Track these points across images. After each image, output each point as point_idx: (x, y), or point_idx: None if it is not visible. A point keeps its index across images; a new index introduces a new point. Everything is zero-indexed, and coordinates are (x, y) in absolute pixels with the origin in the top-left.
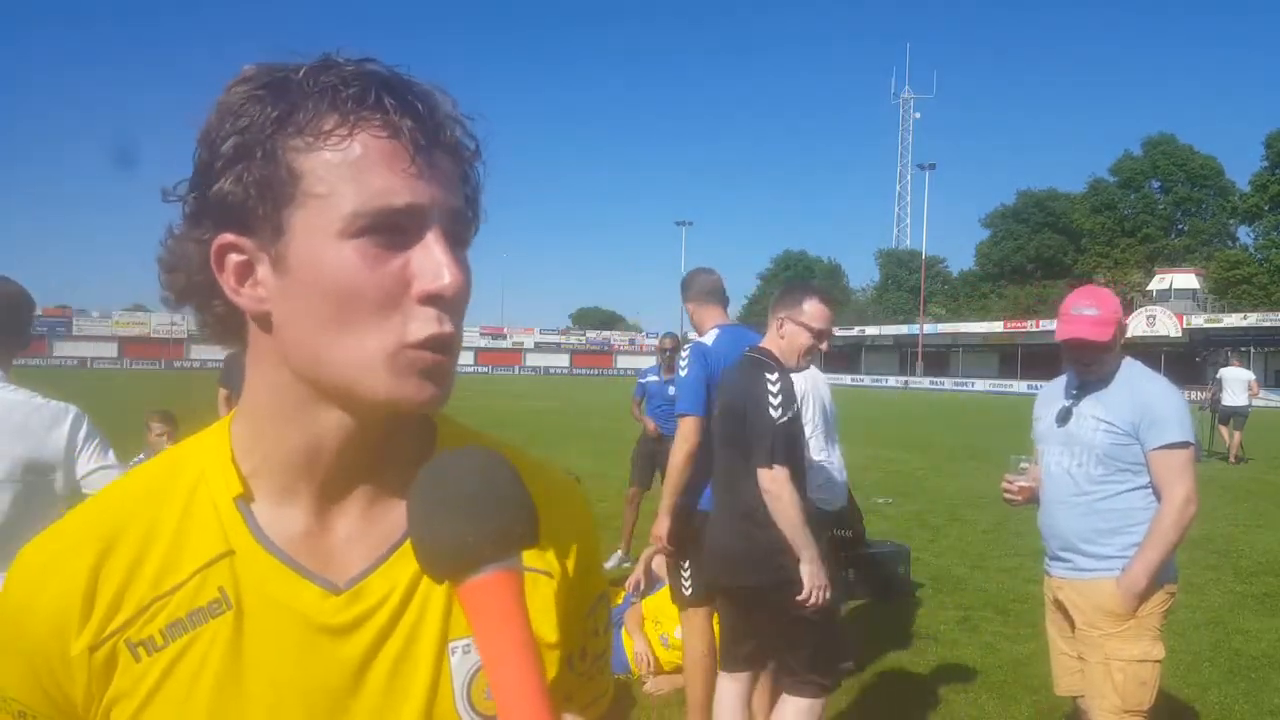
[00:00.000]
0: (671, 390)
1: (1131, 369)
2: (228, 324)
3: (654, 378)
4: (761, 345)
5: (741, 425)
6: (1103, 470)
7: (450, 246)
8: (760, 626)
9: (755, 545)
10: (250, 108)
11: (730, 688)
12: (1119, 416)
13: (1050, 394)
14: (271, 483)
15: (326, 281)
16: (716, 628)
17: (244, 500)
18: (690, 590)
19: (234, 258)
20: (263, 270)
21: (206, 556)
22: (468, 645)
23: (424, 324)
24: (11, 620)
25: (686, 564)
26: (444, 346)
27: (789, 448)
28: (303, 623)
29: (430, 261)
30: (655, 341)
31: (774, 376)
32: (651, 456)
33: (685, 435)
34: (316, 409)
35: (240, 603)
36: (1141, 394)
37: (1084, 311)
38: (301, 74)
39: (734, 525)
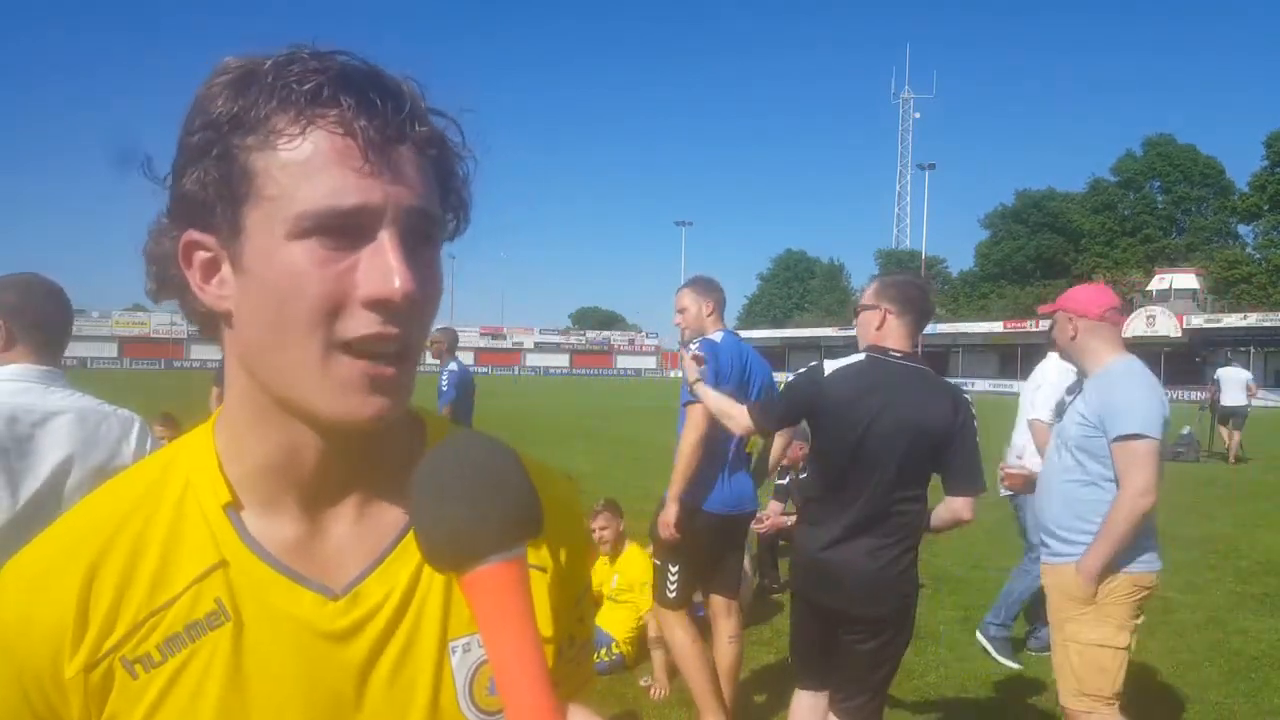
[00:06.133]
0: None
1: (1122, 366)
2: (209, 321)
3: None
4: (912, 353)
5: (930, 451)
6: (1073, 460)
7: (409, 248)
8: (853, 654)
9: (889, 573)
10: (216, 103)
11: (809, 701)
12: (1089, 408)
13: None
14: (258, 489)
15: (273, 282)
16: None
17: (233, 508)
18: (674, 594)
19: (200, 255)
20: (226, 268)
21: (200, 568)
22: (468, 644)
23: (362, 323)
24: (0, 642)
25: (676, 568)
26: (389, 354)
27: None
28: (303, 630)
29: (379, 265)
30: (655, 342)
31: (971, 399)
32: None
33: (696, 422)
34: (284, 417)
35: (239, 613)
36: (1109, 387)
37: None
38: (266, 67)
39: (876, 551)
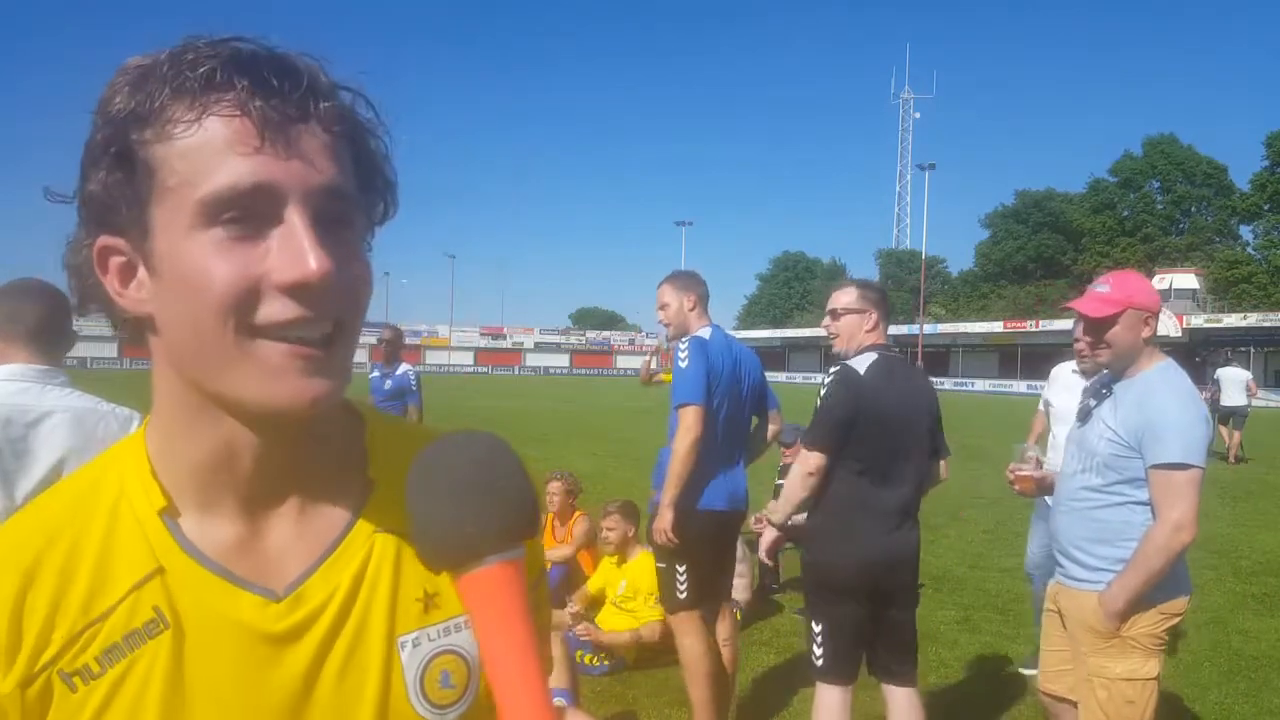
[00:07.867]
0: (388, 384)
1: (1160, 375)
2: (135, 327)
3: (376, 373)
4: (888, 344)
5: (931, 430)
6: (1101, 480)
7: (322, 230)
8: (899, 625)
9: (912, 544)
10: (115, 101)
11: (840, 697)
12: (1124, 426)
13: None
14: (193, 493)
15: (183, 276)
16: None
17: (168, 514)
18: (685, 594)
19: (115, 260)
20: (142, 271)
21: (136, 576)
22: (418, 638)
23: (281, 309)
24: None
25: (684, 568)
26: (315, 337)
27: None
28: (245, 634)
29: (291, 247)
30: (655, 342)
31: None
32: None
33: (689, 425)
34: (217, 416)
35: (178, 620)
36: (1151, 405)
37: (1097, 288)
38: (163, 58)
39: (901, 526)
